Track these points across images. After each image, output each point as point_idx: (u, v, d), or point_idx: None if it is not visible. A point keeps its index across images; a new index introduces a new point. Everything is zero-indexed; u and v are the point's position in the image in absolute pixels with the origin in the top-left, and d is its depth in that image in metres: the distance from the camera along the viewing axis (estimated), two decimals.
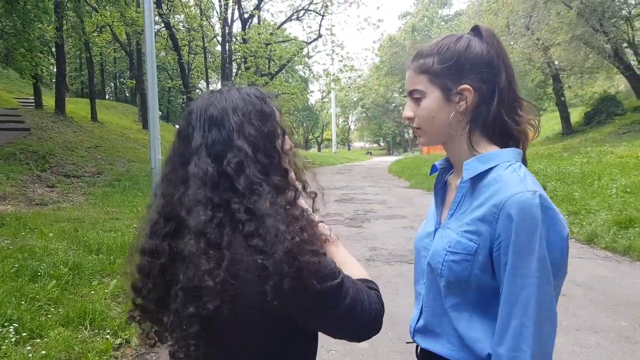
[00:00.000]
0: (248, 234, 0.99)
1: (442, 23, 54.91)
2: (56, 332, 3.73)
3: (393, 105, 59.41)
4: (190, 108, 1.11)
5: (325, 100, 62.82)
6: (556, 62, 22.67)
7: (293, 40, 27.16)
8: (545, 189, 1.13)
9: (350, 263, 1.16)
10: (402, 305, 4.64)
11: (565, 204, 9.04)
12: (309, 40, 27.03)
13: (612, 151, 14.37)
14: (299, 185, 1.13)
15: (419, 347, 1.32)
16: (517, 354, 1.04)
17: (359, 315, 1.05)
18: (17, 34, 11.42)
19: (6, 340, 3.46)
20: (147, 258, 1.08)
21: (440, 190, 1.34)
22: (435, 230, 1.27)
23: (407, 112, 1.25)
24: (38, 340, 3.63)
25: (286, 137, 1.13)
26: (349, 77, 31.54)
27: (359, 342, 1.15)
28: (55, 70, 21.66)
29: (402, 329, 4.11)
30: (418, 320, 1.30)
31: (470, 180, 1.19)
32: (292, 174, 1.12)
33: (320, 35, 26.23)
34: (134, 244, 1.14)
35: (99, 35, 25.12)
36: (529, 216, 1.04)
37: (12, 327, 3.62)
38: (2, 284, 4.33)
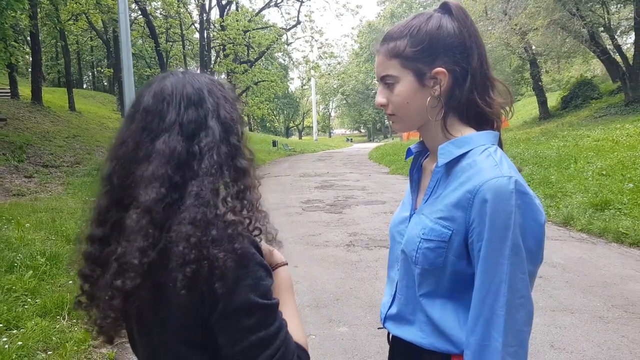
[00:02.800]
0: (185, 219, 0.96)
1: (421, 9, 54.90)
2: (33, 322, 3.70)
3: (373, 92, 59.34)
4: (163, 85, 1.07)
5: (306, 87, 62.51)
6: (533, 47, 22.87)
7: (272, 27, 26.89)
8: (520, 171, 1.12)
9: (295, 319, 1.12)
10: (380, 290, 4.70)
11: (542, 187, 9.19)
12: (288, 27, 26.83)
13: (589, 134, 14.61)
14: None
15: (391, 334, 1.31)
16: (487, 342, 1.02)
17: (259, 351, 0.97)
18: None
19: None
20: (95, 246, 1.05)
21: (416, 175, 1.31)
22: (411, 215, 1.24)
23: (380, 98, 1.20)
24: (15, 331, 3.60)
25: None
26: (329, 64, 31.51)
27: None
28: (30, 59, 21.17)
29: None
30: (390, 307, 1.28)
31: (445, 165, 1.15)
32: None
33: (299, 22, 26.05)
34: (81, 231, 1.11)
35: (74, 24, 24.55)
36: (504, 202, 1.01)
37: None
38: None
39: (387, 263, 1.36)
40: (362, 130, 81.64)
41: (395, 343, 1.28)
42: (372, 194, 11.28)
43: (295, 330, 1.08)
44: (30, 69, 22.84)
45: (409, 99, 1.16)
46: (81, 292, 1.11)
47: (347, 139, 65.51)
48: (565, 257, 5.58)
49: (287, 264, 1.23)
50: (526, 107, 29.42)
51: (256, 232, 1.09)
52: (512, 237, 1.00)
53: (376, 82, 1.26)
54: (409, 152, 1.37)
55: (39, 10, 18.00)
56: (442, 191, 1.14)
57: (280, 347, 0.98)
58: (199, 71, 1.18)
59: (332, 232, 7.36)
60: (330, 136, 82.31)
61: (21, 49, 17.76)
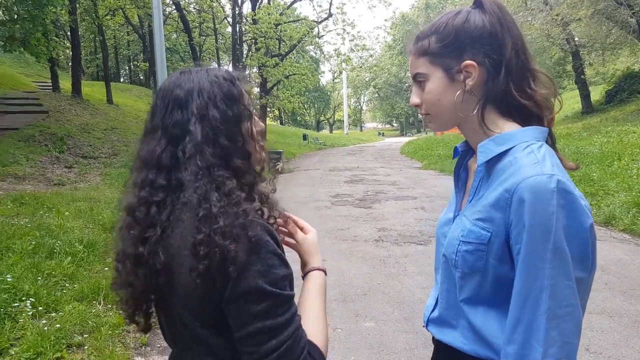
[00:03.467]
0: (186, 218, 1.01)
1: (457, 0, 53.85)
2: (71, 306, 3.84)
3: (406, 85, 58.53)
4: (159, 87, 1.12)
5: (337, 80, 62.37)
6: (576, 39, 22.12)
7: (303, 20, 26.80)
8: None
9: (318, 323, 1.10)
10: (409, 286, 4.67)
11: (583, 185, 8.91)
12: (320, 20, 26.67)
13: (634, 130, 14.01)
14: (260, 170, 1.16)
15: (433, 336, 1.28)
16: (527, 352, 0.95)
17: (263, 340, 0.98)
18: (32, 19, 11.51)
19: (23, 314, 3.58)
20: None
21: (462, 175, 1.27)
22: (455, 217, 1.21)
23: (414, 98, 1.18)
24: (53, 314, 3.74)
25: (254, 120, 1.13)
26: (361, 57, 31.20)
27: None
28: (70, 53, 21.83)
29: (408, 310, 4.14)
30: (433, 310, 1.26)
31: (485, 164, 1.10)
32: (257, 156, 1.13)
33: (330, 14, 25.86)
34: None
35: (111, 19, 25.16)
36: (544, 202, 0.94)
37: (28, 301, 3.73)
38: (20, 261, 4.46)
39: (434, 265, 1.33)
40: (394, 124, 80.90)
41: (439, 345, 1.25)
42: (403, 189, 11.18)
43: (316, 334, 1.06)
44: (70, 63, 23.55)
45: (440, 96, 1.13)
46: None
47: (379, 133, 65.10)
48: (605, 258, 5.36)
49: (323, 270, 1.22)
50: (568, 101, 28.48)
51: (271, 221, 1.12)
52: (554, 240, 0.93)
53: (409, 75, 1.23)
54: (455, 151, 1.32)
55: (77, 5, 18.52)
56: (484, 192, 1.09)
57: (288, 340, 0.97)
58: (230, 65, 1.19)
59: (361, 226, 7.33)
60: (361, 130, 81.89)
61: (62, 43, 18.34)
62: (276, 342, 0.96)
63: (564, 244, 0.94)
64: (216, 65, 1.18)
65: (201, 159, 1.01)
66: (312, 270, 1.20)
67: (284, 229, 1.27)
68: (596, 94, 25.45)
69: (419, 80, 1.15)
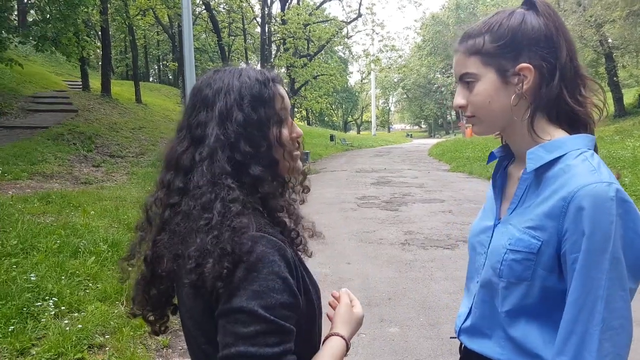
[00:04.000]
0: (190, 226, 0.96)
1: (488, 0, 52.92)
2: (93, 306, 3.84)
3: (435, 86, 58.04)
4: (193, 86, 1.09)
5: (365, 81, 62.16)
6: (610, 40, 21.54)
7: (332, 20, 26.81)
8: (619, 178, 1.01)
9: None
10: (435, 291, 4.54)
11: None
12: (349, 20, 26.65)
13: None
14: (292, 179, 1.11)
15: (463, 345, 1.24)
16: None
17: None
18: (64, 19, 11.74)
19: (45, 313, 3.59)
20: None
21: (499, 181, 1.22)
22: (495, 225, 1.17)
23: (459, 99, 1.13)
24: (76, 314, 3.75)
25: (288, 125, 1.06)
26: (390, 58, 31.10)
27: None
28: (101, 53, 22.25)
29: (434, 315, 4.02)
30: (466, 319, 1.22)
31: (534, 171, 1.07)
32: (287, 165, 1.06)
33: (360, 15, 25.83)
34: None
35: (142, 19, 25.59)
36: (603, 210, 0.92)
37: (51, 300, 3.75)
38: (44, 260, 4.49)
39: (466, 274, 1.28)
40: (423, 126, 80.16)
41: (469, 354, 1.21)
42: (431, 191, 10.99)
43: None
44: (100, 63, 24.02)
45: (491, 98, 1.08)
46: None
47: (407, 135, 64.56)
48: None
49: (346, 340, 1.08)
50: None
51: (293, 235, 1.07)
52: (612, 250, 0.91)
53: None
54: (491, 156, 1.27)
55: (109, 5, 18.85)
56: (533, 200, 1.06)
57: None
58: (258, 66, 1.14)
59: (387, 229, 7.21)
60: (389, 131, 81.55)
61: (93, 43, 18.70)
62: None
63: (621, 253, 0.92)
64: (245, 66, 1.10)
65: (210, 164, 0.96)
66: (335, 336, 1.07)
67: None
68: (629, 96, 24.72)
69: (467, 80, 1.10)
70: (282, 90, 1.07)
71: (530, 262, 1.02)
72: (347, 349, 1.07)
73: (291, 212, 1.08)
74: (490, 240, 1.15)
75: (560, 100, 1.06)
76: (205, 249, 0.89)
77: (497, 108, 1.09)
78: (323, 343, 1.07)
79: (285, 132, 1.05)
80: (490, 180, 1.26)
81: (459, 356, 1.28)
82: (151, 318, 1.12)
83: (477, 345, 1.17)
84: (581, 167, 0.99)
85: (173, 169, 1.01)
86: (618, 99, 23.10)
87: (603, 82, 28.93)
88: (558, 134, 1.08)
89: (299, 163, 1.09)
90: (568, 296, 0.96)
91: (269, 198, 1.02)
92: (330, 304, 1.18)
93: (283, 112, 1.05)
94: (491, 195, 1.23)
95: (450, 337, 1.31)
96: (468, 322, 1.21)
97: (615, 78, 22.92)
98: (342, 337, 1.07)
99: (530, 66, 1.05)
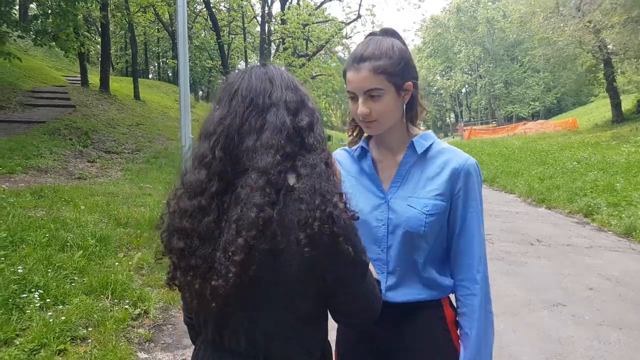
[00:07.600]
0: (301, 188, 1.06)
1: (489, 3, 52.92)
2: (78, 299, 3.88)
3: (434, 88, 58.14)
4: (262, 70, 1.19)
5: None
6: (609, 46, 21.57)
7: (332, 21, 26.83)
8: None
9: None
10: None
11: (606, 195, 8.67)
12: (348, 21, 26.65)
13: None
14: None
15: (387, 304, 1.40)
16: (486, 274, 1.44)
17: (372, 299, 1.17)
18: (63, 14, 11.74)
19: (31, 305, 3.64)
20: (190, 219, 1.09)
21: (373, 167, 1.53)
22: (387, 201, 1.47)
23: (365, 109, 1.40)
24: (61, 306, 3.79)
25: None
26: None
27: (352, 324, 1.36)
28: (100, 49, 22.25)
29: None
30: (386, 281, 1.48)
31: (417, 154, 1.47)
32: None
33: (359, 16, 25.81)
34: (164, 210, 1.18)
35: (142, 15, 25.58)
36: (478, 173, 1.46)
37: (37, 293, 3.79)
38: (33, 253, 4.53)
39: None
40: (421, 128, 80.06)
41: (393, 314, 1.46)
42: None
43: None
44: (99, 58, 24.01)
45: (392, 107, 1.42)
46: (174, 268, 1.14)
47: None
48: (621, 270, 5.23)
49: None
50: (598, 109, 27.75)
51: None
52: (480, 197, 1.45)
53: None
54: (363, 150, 1.57)
55: (109, 2, 18.85)
56: (418, 176, 1.45)
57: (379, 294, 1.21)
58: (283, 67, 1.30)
59: None
60: None
61: (92, 39, 18.68)
62: (378, 299, 1.22)
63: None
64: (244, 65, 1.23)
65: (320, 132, 1.17)
66: None
67: None
68: (627, 102, 24.73)
69: (373, 94, 1.39)
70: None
71: (442, 219, 1.43)
72: None
73: None
74: (388, 214, 1.45)
75: (418, 106, 1.51)
76: (323, 211, 1.05)
77: (394, 114, 1.45)
78: None
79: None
80: (356, 169, 1.56)
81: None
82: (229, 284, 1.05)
83: (402, 296, 1.46)
84: (453, 149, 1.47)
85: (285, 134, 1.13)
86: (616, 104, 23.15)
87: (602, 88, 28.93)
88: (419, 129, 1.53)
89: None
90: (473, 231, 1.43)
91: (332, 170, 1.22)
92: None
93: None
94: (363, 180, 1.53)
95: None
96: (391, 281, 1.48)
97: (614, 83, 22.95)
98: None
99: (411, 83, 1.43)
